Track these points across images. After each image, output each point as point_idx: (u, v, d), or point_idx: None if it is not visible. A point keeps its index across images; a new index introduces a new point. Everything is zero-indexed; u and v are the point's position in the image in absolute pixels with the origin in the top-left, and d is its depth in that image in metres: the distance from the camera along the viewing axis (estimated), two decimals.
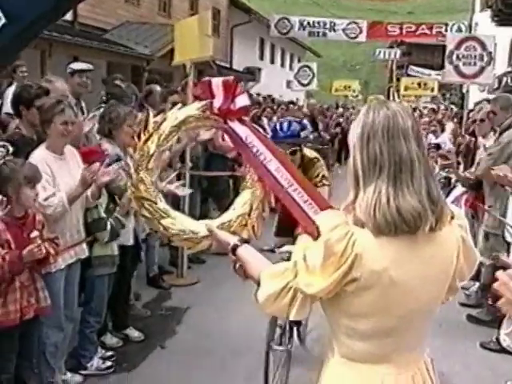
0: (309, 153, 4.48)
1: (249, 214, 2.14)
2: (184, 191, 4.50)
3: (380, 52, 28.29)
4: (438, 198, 1.74)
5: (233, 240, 2.00)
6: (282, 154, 2.29)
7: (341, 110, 21.70)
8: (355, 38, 21.85)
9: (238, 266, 1.98)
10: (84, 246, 4.19)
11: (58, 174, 3.93)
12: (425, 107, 17.10)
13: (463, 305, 6.11)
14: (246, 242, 2.02)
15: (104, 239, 4.30)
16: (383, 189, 1.68)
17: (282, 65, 33.70)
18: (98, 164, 3.94)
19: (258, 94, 16.84)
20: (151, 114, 2.25)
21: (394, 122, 1.72)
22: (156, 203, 2.13)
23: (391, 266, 1.68)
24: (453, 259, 1.81)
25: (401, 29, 21.65)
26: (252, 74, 25.40)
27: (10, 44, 4.98)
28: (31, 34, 5.28)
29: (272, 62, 31.58)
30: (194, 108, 2.22)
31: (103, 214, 4.30)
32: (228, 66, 24.03)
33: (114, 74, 7.76)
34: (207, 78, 2.26)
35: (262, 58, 29.77)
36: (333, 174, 16.54)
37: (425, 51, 38.74)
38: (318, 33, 22.15)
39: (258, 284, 1.83)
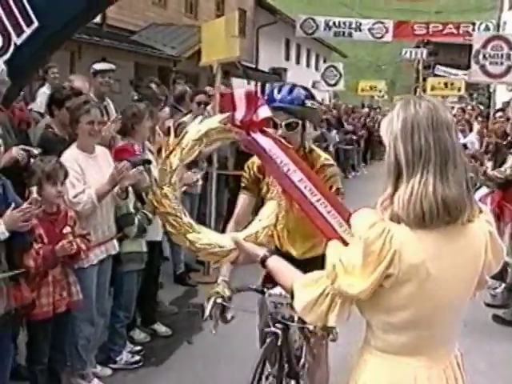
0: (318, 153, 3.19)
1: (275, 225, 2.18)
2: (195, 176, 4.72)
3: (406, 52, 28.11)
4: (472, 190, 1.80)
5: (261, 251, 2.04)
6: (305, 164, 2.29)
7: (366, 109, 21.63)
8: (381, 37, 21.76)
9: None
10: (115, 242, 4.30)
11: (88, 172, 4.06)
12: (452, 107, 16.93)
13: (489, 305, 6.11)
14: (274, 252, 2.05)
15: (132, 234, 4.41)
16: (430, 179, 1.71)
17: (308, 65, 33.64)
18: (126, 162, 4.05)
19: None
20: (171, 127, 2.30)
21: (436, 114, 1.75)
22: (181, 218, 2.12)
23: (428, 259, 1.71)
24: (481, 253, 1.83)
25: (427, 28, 21.51)
26: (278, 74, 25.32)
27: (42, 46, 5.06)
28: (62, 37, 5.28)
29: (298, 62, 31.53)
30: (215, 121, 2.23)
31: (132, 210, 4.42)
32: (254, 66, 24.04)
33: (150, 77, 7.90)
34: (229, 91, 2.31)
35: (287, 58, 29.75)
36: (358, 175, 16.57)
37: (452, 51, 38.30)
38: (344, 33, 22.09)
39: (292, 294, 1.86)
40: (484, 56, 8.56)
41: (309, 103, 2.98)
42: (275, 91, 3.02)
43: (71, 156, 4.06)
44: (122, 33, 15.66)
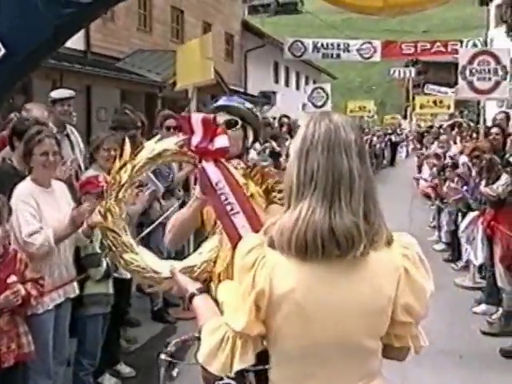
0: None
1: (214, 262, 2.06)
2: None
3: (395, 71, 28.14)
4: (375, 219, 1.62)
5: (192, 288, 1.90)
6: (252, 206, 2.11)
7: None
8: (370, 57, 21.75)
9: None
10: (74, 284, 3.97)
11: (44, 208, 3.72)
12: (440, 125, 16.77)
13: (485, 333, 5.77)
14: (205, 291, 1.91)
15: (98, 276, 4.07)
16: (319, 205, 1.57)
17: (297, 88, 33.61)
18: (87, 205, 3.70)
19: (274, 118, 16.72)
20: (127, 141, 2.16)
21: (335, 135, 1.61)
22: (120, 236, 2.04)
23: (299, 289, 1.57)
24: (385, 289, 1.63)
25: (415, 47, 21.46)
26: (267, 97, 25.38)
27: (11, 74, 4.99)
28: (32, 64, 5.30)
29: (287, 85, 31.51)
30: (172, 142, 2.17)
31: (98, 250, 4.07)
32: (242, 90, 24.01)
33: (123, 104, 7.62)
34: (187, 114, 2.14)
35: (276, 81, 29.73)
36: None
37: (441, 69, 38.40)
38: (332, 54, 22.16)
39: None
40: (471, 72, 8.34)
41: (249, 106, 2.82)
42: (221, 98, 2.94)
43: (26, 189, 3.72)
44: (107, 60, 15.54)
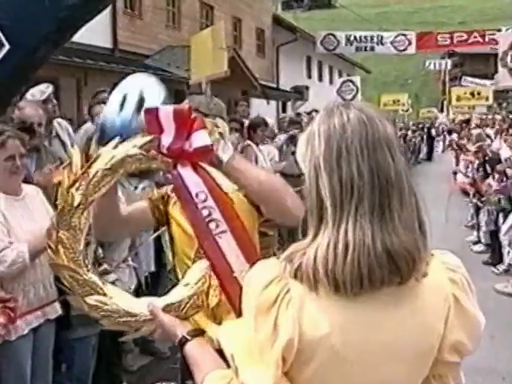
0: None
1: (207, 293, 1.56)
2: None
3: (430, 63, 27.41)
4: (426, 231, 1.26)
5: (181, 331, 1.47)
6: (239, 223, 1.70)
7: None
8: (404, 50, 21.32)
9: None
10: (56, 304, 3.43)
11: (13, 220, 3.22)
12: (481, 118, 16.14)
13: None
14: (199, 334, 1.48)
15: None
16: (365, 223, 1.18)
17: (331, 82, 33.09)
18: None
19: (308, 113, 16.36)
20: (76, 150, 1.67)
21: (372, 129, 1.22)
22: (80, 275, 1.57)
23: (335, 332, 1.20)
24: (437, 325, 1.28)
25: (451, 38, 20.86)
26: (300, 93, 24.97)
27: (16, 69, 4.79)
28: (37, 59, 5.08)
29: (320, 79, 31.02)
30: (134, 145, 1.66)
31: None
32: (275, 86, 23.65)
33: None
34: (154, 106, 1.68)
35: (309, 76, 29.27)
36: None
37: (478, 61, 37.46)
38: (366, 47, 21.83)
39: None
40: None
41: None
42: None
43: None
44: (135, 57, 15.36)
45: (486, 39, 20.18)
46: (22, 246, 3.14)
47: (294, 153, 8.48)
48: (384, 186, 1.20)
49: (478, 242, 9.06)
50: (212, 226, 1.59)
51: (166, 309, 1.53)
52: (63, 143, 5.05)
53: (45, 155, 4.39)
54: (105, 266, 3.73)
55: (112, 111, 1.85)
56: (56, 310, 3.44)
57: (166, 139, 1.64)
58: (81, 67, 11.69)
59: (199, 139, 1.65)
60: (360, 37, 21.79)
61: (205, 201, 1.61)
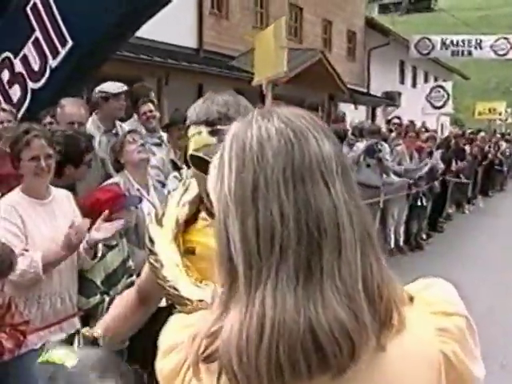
0: None
1: None
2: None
3: None
4: (382, 285, 0.87)
5: None
6: None
7: (482, 134, 19.54)
8: (505, 54, 20.22)
9: None
10: (76, 319, 3.17)
11: (32, 225, 2.99)
12: None
13: None
14: None
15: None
16: (289, 291, 0.82)
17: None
18: (87, 220, 2.96)
19: (399, 118, 15.66)
20: None
21: (301, 151, 0.85)
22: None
23: None
24: None
25: None
26: (391, 98, 24.19)
27: (78, 66, 4.85)
28: (99, 56, 5.10)
29: (414, 85, 29.91)
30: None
31: (97, 278, 3.26)
32: (365, 90, 23.00)
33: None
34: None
35: (402, 81, 28.27)
36: (471, 209, 14.52)
37: None
38: (463, 52, 20.92)
39: None
40: None
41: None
42: None
43: (11, 203, 2.98)
44: (221, 58, 15.29)
45: None
46: (35, 255, 2.87)
47: (369, 165, 7.99)
48: (314, 235, 0.83)
49: None
50: None
51: None
52: None
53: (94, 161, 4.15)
54: None
55: None
56: (74, 325, 3.14)
57: None
58: (162, 67, 11.65)
59: None
60: (457, 41, 20.96)
61: None
